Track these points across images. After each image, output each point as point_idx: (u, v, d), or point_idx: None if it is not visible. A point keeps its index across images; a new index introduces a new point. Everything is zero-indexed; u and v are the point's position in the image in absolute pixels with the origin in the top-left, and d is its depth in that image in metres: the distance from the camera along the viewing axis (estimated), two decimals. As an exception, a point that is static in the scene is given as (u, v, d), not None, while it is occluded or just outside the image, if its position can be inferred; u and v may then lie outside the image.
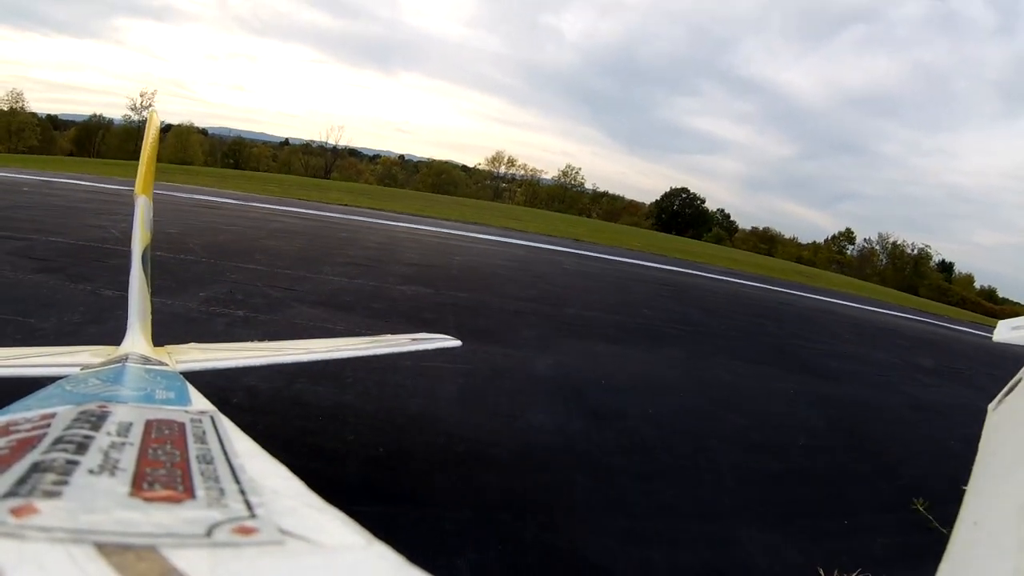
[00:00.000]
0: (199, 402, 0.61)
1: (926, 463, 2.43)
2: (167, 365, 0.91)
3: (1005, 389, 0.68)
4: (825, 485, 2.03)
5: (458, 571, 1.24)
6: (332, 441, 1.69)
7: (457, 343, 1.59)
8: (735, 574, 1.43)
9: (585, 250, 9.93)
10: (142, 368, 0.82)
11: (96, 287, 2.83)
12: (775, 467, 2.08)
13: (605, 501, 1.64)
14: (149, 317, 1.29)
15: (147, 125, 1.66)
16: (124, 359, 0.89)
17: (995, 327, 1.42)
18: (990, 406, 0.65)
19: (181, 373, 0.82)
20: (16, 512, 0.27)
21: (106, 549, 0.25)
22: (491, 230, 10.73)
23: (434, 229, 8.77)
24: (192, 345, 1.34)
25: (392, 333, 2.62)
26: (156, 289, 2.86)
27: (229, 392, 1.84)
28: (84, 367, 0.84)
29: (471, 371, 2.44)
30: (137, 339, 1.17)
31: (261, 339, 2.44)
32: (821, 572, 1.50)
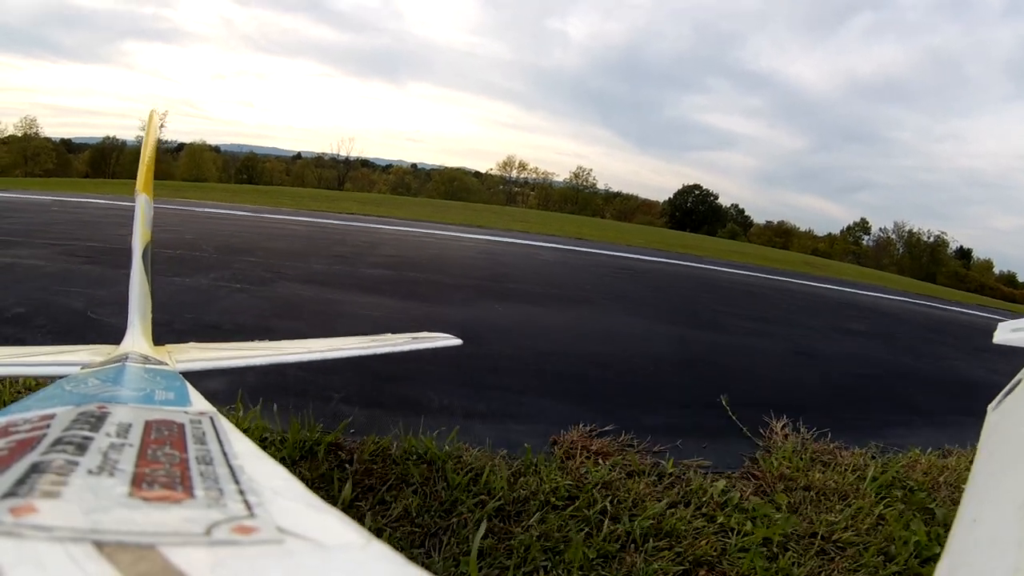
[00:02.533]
0: (199, 403, 0.62)
1: (754, 386, 3.11)
2: (167, 364, 0.92)
3: (1005, 389, 0.69)
4: (652, 389, 2.78)
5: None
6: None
7: (458, 342, 1.59)
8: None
9: (580, 246, 10.43)
10: (142, 368, 0.82)
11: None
12: (611, 378, 2.85)
13: (470, 382, 2.43)
14: (150, 316, 1.29)
15: (147, 124, 1.70)
16: (124, 358, 0.89)
17: (995, 328, 1.40)
18: (990, 406, 0.67)
19: (181, 373, 0.84)
20: (15, 512, 0.27)
21: (106, 548, 0.25)
22: (493, 231, 11.30)
23: (426, 231, 9.59)
24: (192, 344, 1.36)
25: (352, 301, 3.44)
26: (176, 272, 3.81)
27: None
28: (84, 366, 0.85)
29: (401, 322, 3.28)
30: (137, 338, 1.17)
31: (253, 305, 3.29)
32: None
